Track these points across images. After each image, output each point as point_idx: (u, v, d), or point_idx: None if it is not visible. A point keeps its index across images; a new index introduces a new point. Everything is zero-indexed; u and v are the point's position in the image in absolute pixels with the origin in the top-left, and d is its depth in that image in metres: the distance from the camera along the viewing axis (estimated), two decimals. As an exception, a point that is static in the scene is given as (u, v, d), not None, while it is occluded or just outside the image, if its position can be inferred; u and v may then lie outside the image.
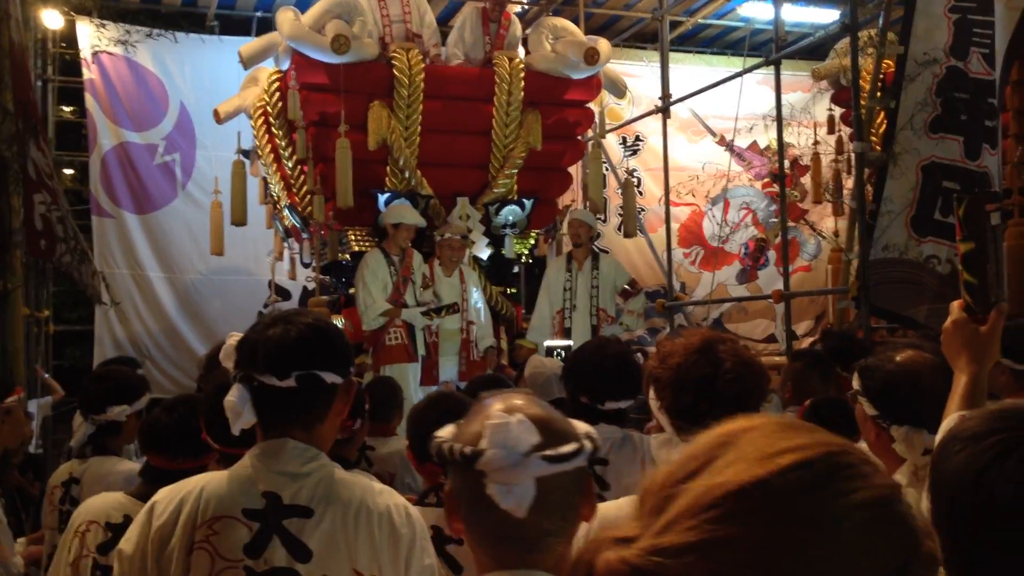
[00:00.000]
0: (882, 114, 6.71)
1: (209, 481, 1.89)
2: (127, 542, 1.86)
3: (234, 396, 1.88)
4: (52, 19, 9.22)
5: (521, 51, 7.85)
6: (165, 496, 1.89)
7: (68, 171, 10.90)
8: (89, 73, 9.77)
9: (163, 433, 2.67)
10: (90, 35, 9.73)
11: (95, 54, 9.73)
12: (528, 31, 8.00)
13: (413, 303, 7.03)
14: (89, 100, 9.80)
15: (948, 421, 1.74)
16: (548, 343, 6.93)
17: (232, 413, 1.88)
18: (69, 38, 9.98)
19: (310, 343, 1.91)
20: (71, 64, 10.20)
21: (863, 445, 2.71)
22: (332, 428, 1.98)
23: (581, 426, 1.33)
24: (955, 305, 1.84)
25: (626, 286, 7.81)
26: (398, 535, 1.90)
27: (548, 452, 1.24)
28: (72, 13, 9.36)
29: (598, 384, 2.93)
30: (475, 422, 1.29)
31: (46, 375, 8.22)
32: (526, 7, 10.16)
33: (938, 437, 1.75)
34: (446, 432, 1.33)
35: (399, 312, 6.92)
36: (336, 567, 1.84)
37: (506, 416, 1.25)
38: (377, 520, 1.89)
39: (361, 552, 1.86)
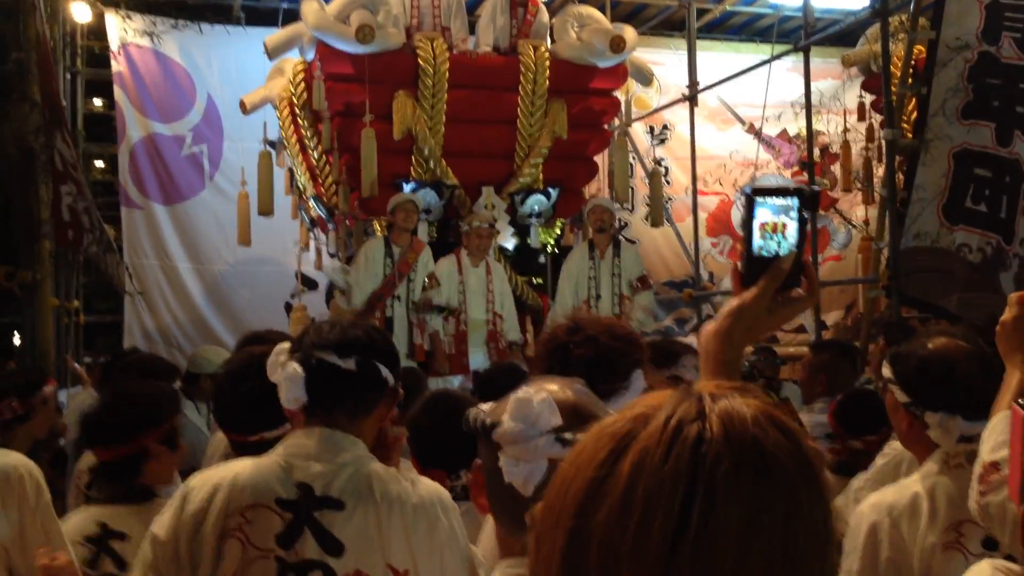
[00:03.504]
0: (913, 101, 6.61)
1: (244, 468, 1.88)
2: (160, 527, 1.84)
3: (290, 369, 1.88)
4: (81, 12, 9.28)
5: (547, 40, 7.80)
6: (199, 482, 1.87)
7: (99, 163, 11.00)
8: (117, 65, 9.82)
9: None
10: (118, 27, 9.79)
11: (123, 47, 9.78)
12: (553, 19, 7.95)
13: (404, 298, 6.97)
14: (118, 92, 9.85)
15: (1000, 416, 1.68)
16: None
17: (286, 382, 1.87)
18: (98, 31, 10.04)
19: (374, 339, 1.98)
20: (100, 57, 10.27)
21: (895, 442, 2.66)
22: (373, 429, 1.98)
23: None
24: (1014, 298, 1.76)
25: (636, 281, 7.62)
26: (434, 526, 1.89)
27: (566, 435, 1.23)
28: (100, 4, 9.41)
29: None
30: (510, 399, 1.29)
31: (76, 365, 8.29)
32: (552, -5, 10.10)
33: (986, 428, 1.69)
34: (486, 406, 1.34)
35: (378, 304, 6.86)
36: (369, 562, 1.83)
37: (531, 393, 1.25)
38: (412, 513, 1.88)
39: (394, 547, 1.84)
